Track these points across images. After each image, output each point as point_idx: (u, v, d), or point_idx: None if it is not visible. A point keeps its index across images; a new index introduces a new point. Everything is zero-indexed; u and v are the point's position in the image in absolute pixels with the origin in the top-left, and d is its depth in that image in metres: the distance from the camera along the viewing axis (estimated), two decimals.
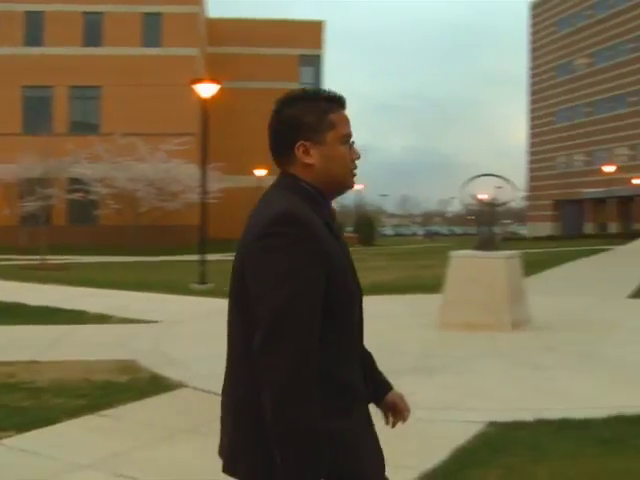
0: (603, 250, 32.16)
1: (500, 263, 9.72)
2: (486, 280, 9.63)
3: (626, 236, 48.82)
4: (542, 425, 5.15)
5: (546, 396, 6.01)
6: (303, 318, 1.68)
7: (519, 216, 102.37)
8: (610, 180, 57.57)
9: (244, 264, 1.76)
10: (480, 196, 10.69)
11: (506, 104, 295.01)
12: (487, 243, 10.10)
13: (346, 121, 1.93)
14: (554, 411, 5.44)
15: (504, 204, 10.81)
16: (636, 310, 11.76)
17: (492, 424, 5.20)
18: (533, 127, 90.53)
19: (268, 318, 1.67)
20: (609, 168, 56.41)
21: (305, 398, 1.64)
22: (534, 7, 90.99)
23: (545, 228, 75.46)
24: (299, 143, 1.86)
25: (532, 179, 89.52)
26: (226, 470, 1.86)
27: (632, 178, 59.89)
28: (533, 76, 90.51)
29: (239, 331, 1.82)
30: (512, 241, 44.32)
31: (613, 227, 67.11)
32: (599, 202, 72.64)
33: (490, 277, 9.66)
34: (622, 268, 21.68)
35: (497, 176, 10.53)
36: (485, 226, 10.40)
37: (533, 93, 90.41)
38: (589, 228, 72.09)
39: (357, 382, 1.88)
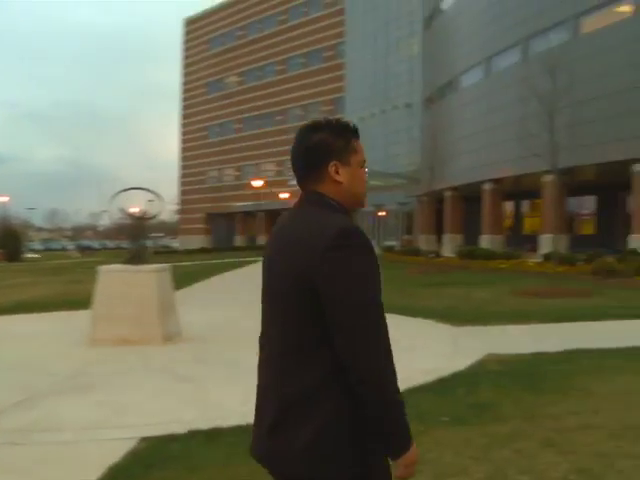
0: (253, 262, 33.84)
1: (150, 277, 9.65)
2: (136, 294, 9.50)
3: None
4: (194, 436, 5.18)
5: (197, 407, 6.06)
6: (382, 313, 1.98)
7: (171, 229, 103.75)
8: (259, 194, 60.98)
9: (317, 268, 1.94)
10: (129, 209, 10.57)
11: (162, 118, 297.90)
12: (137, 257, 9.98)
13: (363, 148, 2.24)
14: (206, 421, 5.51)
15: (154, 217, 10.79)
16: None
17: (145, 439, 5.10)
18: (185, 142, 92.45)
19: (359, 314, 1.92)
20: (257, 183, 59.80)
21: (393, 377, 1.98)
22: (188, 23, 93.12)
23: (197, 241, 77.32)
24: (332, 163, 2.14)
25: (184, 193, 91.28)
26: (273, 466, 2.05)
27: (279, 193, 64.11)
28: (186, 91, 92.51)
29: (302, 329, 2.01)
30: (164, 254, 44.69)
31: (262, 239, 71.11)
32: (249, 215, 76.50)
33: (140, 291, 9.55)
34: None
35: (146, 189, 10.50)
36: (135, 240, 10.29)
37: (185, 108, 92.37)
38: (239, 240, 75.55)
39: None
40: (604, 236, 34.07)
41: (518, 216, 43.86)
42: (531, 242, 34.45)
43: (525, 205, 43.29)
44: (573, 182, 30.36)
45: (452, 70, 41.19)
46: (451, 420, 5.42)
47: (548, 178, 27.59)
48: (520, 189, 38.11)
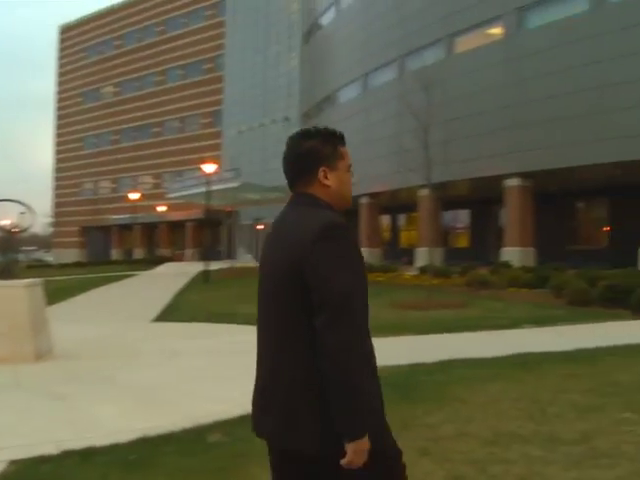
0: (129, 276, 33.00)
1: (20, 292, 9.19)
2: (5, 310, 9.04)
3: (151, 261, 51.02)
4: (67, 456, 4.91)
5: (70, 426, 5.78)
6: (362, 299, 2.20)
7: (45, 242, 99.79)
8: (135, 207, 59.63)
9: (305, 263, 2.14)
10: None
11: (36, 128, 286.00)
12: (6, 271, 9.51)
13: (348, 153, 2.46)
14: (79, 440, 5.25)
15: (25, 230, 10.33)
16: (156, 334, 12.22)
17: (14, 462, 4.81)
18: (60, 152, 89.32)
19: (338, 300, 2.09)
20: (134, 195, 58.46)
21: (363, 362, 2.14)
22: (64, 31, 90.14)
23: (72, 254, 74.69)
24: (322, 168, 2.36)
25: (58, 205, 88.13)
26: (276, 441, 2.24)
27: (156, 205, 62.91)
28: (60, 100, 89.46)
29: (294, 317, 2.19)
30: (37, 268, 42.86)
31: (138, 253, 69.53)
32: (125, 228, 74.65)
33: (10, 307, 9.07)
34: (147, 293, 22.50)
35: (16, 201, 10.03)
36: (5, 253, 9.80)
37: (60, 118, 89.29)
38: (116, 254, 73.52)
39: (373, 353, 2.30)
40: (478, 249, 35.40)
41: (395, 230, 44.89)
42: (408, 255, 35.32)
43: (402, 219, 44.37)
44: (448, 196, 31.44)
45: (330, 85, 41.82)
46: None
47: (424, 192, 28.39)
48: (397, 203, 39.03)
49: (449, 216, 38.05)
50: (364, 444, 2.10)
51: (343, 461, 2.09)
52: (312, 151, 2.37)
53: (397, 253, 39.41)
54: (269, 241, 2.41)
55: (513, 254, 26.03)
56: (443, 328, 11.82)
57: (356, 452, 2.09)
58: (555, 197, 29.62)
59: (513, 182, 26.79)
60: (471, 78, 28.02)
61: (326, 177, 2.37)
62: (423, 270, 23.77)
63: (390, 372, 7.86)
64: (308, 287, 2.16)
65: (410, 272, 26.19)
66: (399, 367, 8.12)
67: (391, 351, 9.59)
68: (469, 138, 27.71)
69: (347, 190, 2.45)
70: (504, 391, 6.82)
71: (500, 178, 27.03)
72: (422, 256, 29.16)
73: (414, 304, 15.62)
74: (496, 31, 28.03)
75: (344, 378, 2.07)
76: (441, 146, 18.76)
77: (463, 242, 38.74)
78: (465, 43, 29.45)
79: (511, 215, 27.29)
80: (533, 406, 6.18)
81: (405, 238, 43.37)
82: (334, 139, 2.42)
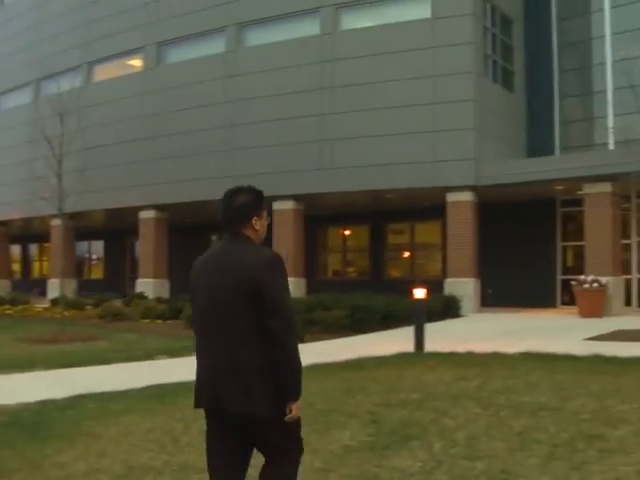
0: None
1: None
2: None
3: None
4: None
5: None
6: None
7: None
8: None
9: (260, 282, 3.15)
10: None
11: None
12: None
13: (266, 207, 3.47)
14: None
15: None
16: None
17: None
18: None
19: (282, 309, 3.15)
20: None
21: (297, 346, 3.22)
22: None
23: None
24: (255, 217, 3.37)
25: None
26: (230, 407, 3.18)
27: None
28: None
29: (249, 320, 3.16)
30: None
31: None
32: None
33: None
34: None
35: None
36: None
37: None
38: None
39: None
40: (113, 280, 34.83)
41: (28, 260, 42.45)
42: (40, 286, 33.51)
43: (35, 249, 42.09)
44: (83, 226, 30.52)
45: None
46: None
47: (56, 222, 27.22)
48: (30, 232, 36.93)
49: (84, 247, 37.00)
50: (300, 403, 3.23)
51: (291, 416, 3.19)
52: (249, 204, 3.37)
53: (30, 284, 37.15)
54: (212, 267, 3.33)
55: (148, 285, 26.12)
56: (75, 362, 11.36)
57: (298, 408, 3.22)
58: (191, 229, 30.45)
59: (148, 214, 26.98)
60: (110, 108, 27.71)
61: (256, 223, 3.38)
62: (55, 302, 22.70)
63: (16, 411, 7.34)
64: (261, 298, 3.14)
65: (42, 304, 24.87)
66: (27, 405, 7.62)
67: (18, 388, 8.96)
68: (106, 168, 27.29)
69: (264, 233, 3.46)
70: (138, 423, 6.77)
71: (136, 210, 27.04)
72: (55, 287, 27.83)
73: (44, 338, 14.80)
74: (136, 63, 28.18)
75: (293, 360, 3.17)
76: (76, 175, 18.15)
77: (98, 273, 37.89)
78: (105, 72, 29.09)
79: (146, 247, 27.41)
80: (166, 437, 6.23)
81: (38, 269, 41.17)
82: (261, 196, 3.46)
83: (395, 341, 13.27)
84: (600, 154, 20.28)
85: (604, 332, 13.88)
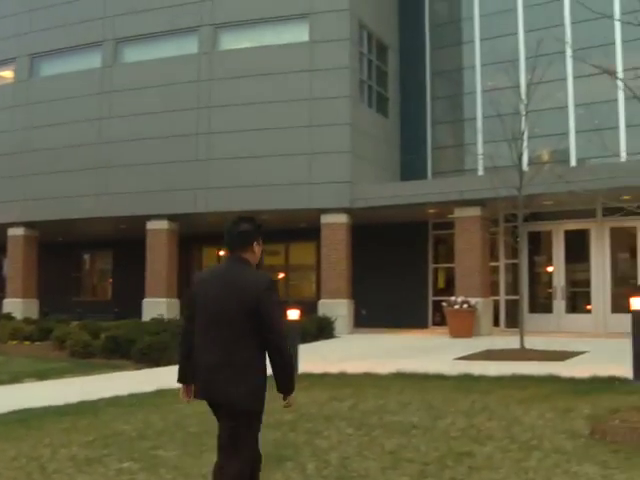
0: None
1: None
2: None
3: None
4: None
5: None
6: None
7: None
8: None
9: (259, 302, 3.87)
10: None
11: None
12: None
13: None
14: None
15: None
16: None
17: None
18: None
19: (279, 325, 3.95)
20: None
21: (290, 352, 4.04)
22: None
23: None
24: (255, 242, 4.12)
25: None
26: (222, 399, 3.94)
27: None
28: None
29: (245, 331, 3.89)
30: None
31: None
32: None
33: None
34: None
35: None
36: None
37: None
38: None
39: None
40: None
41: None
42: None
43: None
44: None
45: None
46: None
47: None
48: None
49: None
50: (295, 395, 4.05)
51: (288, 403, 4.04)
52: (250, 231, 4.09)
53: None
54: (214, 284, 4.04)
55: (16, 305, 24.87)
56: None
57: (294, 399, 4.05)
58: (62, 248, 29.32)
59: (18, 231, 25.76)
60: None
61: (255, 248, 4.10)
62: None
63: None
64: (259, 316, 3.86)
65: None
66: None
67: None
68: None
69: (259, 256, 4.18)
70: (1, 451, 6.36)
71: (4, 227, 25.77)
72: None
73: None
74: (7, 74, 26.96)
75: (289, 362, 3.98)
76: None
77: None
78: None
79: (15, 265, 26.15)
80: (32, 464, 5.93)
81: None
82: (259, 226, 4.17)
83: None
84: (470, 179, 21.08)
85: (473, 352, 14.32)
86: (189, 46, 22.80)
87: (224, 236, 4.10)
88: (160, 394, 9.67)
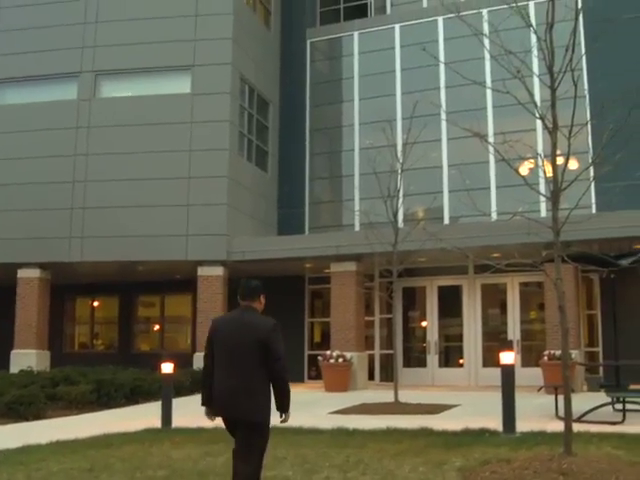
0: None
1: None
2: None
3: None
4: None
5: None
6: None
7: None
8: None
9: (268, 339, 5.15)
10: None
11: None
12: None
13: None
14: None
15: None
16: None
17: None
18: None
19: (282, 358, 5.15)
20: None
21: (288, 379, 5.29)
22: None
23: None
24: (262, 294, 5.49)
25: None
26: (236, 415, 5.14)
27: None
28: None
29: (257, 361, 5.10)
30: None
31: None
32: None
33: None
34: None
35: None
36: None
37: None
38: None
39: None
40: None
41: None
42: None
43: None
44: None
45: None
46: None
47: None
48: None
49: None
50: (289, 413, 5.28)
51: (284, 420, 5.24)
52: (259, 287, 5.48)
53: None
54: (232, 325, 5.35)
55: None
56: None
57: (288, 415, 5.26)
58: None
59: None
60: None
61: (261, 299, 5.48)
62: None
63: None
64: (267, 350, 5.10)
65: None
66: None
67: None
68: None
69: (264, 305, 5.53)
70: None
71: None
72: None
73: None
74: None
75: (286, 387, 5.18)
76: None
77: None
78: None
79: None
80: None
81: None
82: (263, 283, 5.53)
83: (142, 417, 12.78)
84: (346, 235, 21.33)
85: (348, 405, 14.32)
86: (69, 92, 22.17)
87: (239, 290, 5.49)
88: (26, 450, 9.12)
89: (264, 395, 5.13)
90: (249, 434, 5.11)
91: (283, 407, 5.22)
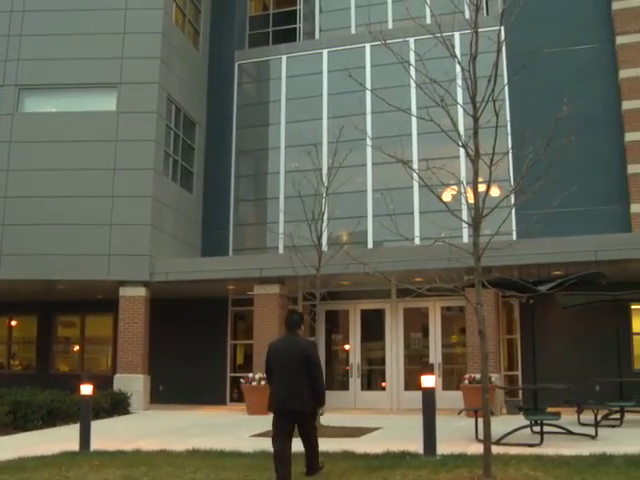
0: None
1: None
2: None
3: None
4: None
5: None
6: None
7: None
8: None
9: (308, 353, 7.97)
10: None
11: None
12: None
13: None
14: None
15: None
16: None
17: None
18: None
19: (319, 366, 8.05)
20: None
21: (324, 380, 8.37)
22: None
23: None
24: (301, 325, 8.42)
25: None
26: (294, 408, 7.81)
27: None
28: None
29: (302, 369, 7.83)
30: None
31: None
32: None
33: None
34: None
35: None
36: None
37: None
38: None
39: None
40: None
41: None
42: None
43: None
44: None
45: None
46: None
47: None
48: None
49: None
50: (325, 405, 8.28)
51: (322, 412, 9.09)
52: (301, 318, 8.36)
53: None
54: (286, 345, 8.08)
55: None
56: None
57: (324, 409, 8.50)
58: None
59: None
60: None
61: (301, 328, 8.29)
62: None
63: None
64: (308, 361, 7.84)
65: None
66: None
67: None
68: None
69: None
70: None
71: None
72: None
73: None
74: None
75: (322, 387, 7.99)
76: None
77: None
78: None
79: None
80: None
81: None
82: (302, 316, 8.50)
83: (60, 440, 12.39)
84: (270, 257, 21.35)
85: (270, 428, 14.23)
86: None
87: (286, 320, 8.23)
88: None
89: (308, 394, 7.70)
90: (304, 422, 7.87)
91: (320, 401, 7.89)
